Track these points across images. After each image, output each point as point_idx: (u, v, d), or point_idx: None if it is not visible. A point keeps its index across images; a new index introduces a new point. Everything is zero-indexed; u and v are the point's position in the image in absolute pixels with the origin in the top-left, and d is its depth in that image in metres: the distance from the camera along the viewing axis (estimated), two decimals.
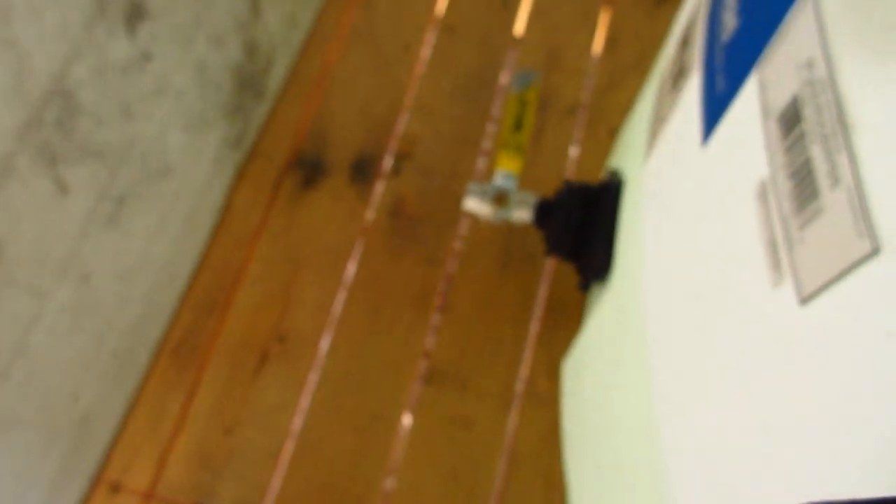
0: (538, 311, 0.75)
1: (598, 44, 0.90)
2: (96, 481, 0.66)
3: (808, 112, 0.27)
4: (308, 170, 0.81)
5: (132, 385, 0.67)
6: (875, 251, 0.22)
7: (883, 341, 0.22)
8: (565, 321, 0.73)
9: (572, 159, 0.84)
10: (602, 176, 0.66)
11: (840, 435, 0.23)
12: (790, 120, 0.28)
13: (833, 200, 0.25)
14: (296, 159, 0.81)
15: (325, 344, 0.72)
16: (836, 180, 0.25)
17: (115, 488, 0.66)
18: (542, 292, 0.76)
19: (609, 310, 0.56)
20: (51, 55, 0.44)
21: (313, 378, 0.71)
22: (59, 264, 0.49)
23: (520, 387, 0.72)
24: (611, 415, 0.54)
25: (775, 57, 0.30)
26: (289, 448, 0.68)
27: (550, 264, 0.77)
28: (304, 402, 0.70)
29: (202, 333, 0.71)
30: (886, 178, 0.23)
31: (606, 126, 0.86)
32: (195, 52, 0.61)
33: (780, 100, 0.29)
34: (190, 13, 0.58)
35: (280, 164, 0.81)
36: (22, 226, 0.44)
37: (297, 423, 0.69)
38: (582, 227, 0.64)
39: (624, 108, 0.78)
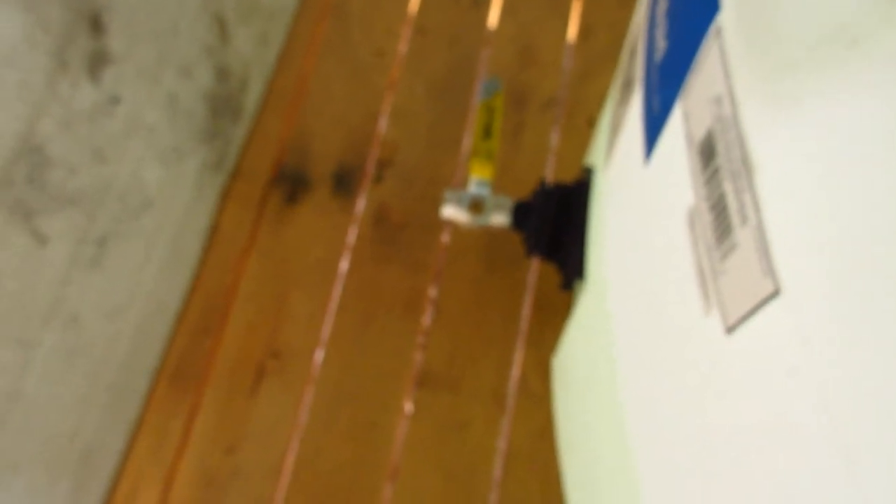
0: (526, 310, 0.76)
1: (572, 34, 0.90)
2: None
3: (720, 148, 0.27)
4: (291, 185, 0.82)
5: (132, 414, 0.69)
6: (776, 292, 0.23)
7: (784, 379, 0.23)
8: (554, 319, 0.74)
9: (553, 154, 0.85)
10: (580, 171, 0.66)
11: (751, 477, 0.24)
12: (707, 153, 0.28)
13: (743, 238, 0.26)
14: (278, 175, 0.82)
15: (318, 356, 0.74)
16: (744, 219, 0.25)
17: None
18: (530, 291, 0.77)
19: (585, 308, 0.57)
20: (14, 116, 0.45)
21: (309, 391, 0.72)
22: (43, 312, 0.51)
23: (512, 386, 0.73)
24: (589, 411, 0.55)
25: (693, 88, 0.30)
26: (289, 462, 0.70)
27: (536, 264, 0.78)
28: (302, 415, 0.71)
29: (198, 356, 0.73)
30: (784, 222, 0.23)
31: (585, 116, 0.86)
32: (164, 86, 0.62)
33: (699, 131, 0.29)
34: (154, 50, 0.59)
35: (263, 182, 0.82)
36: (2, 281, 0.45)
37: (296, 436, 0.71)
38: (558, 227, 0.64)
39: (601, 97, 0.79)
